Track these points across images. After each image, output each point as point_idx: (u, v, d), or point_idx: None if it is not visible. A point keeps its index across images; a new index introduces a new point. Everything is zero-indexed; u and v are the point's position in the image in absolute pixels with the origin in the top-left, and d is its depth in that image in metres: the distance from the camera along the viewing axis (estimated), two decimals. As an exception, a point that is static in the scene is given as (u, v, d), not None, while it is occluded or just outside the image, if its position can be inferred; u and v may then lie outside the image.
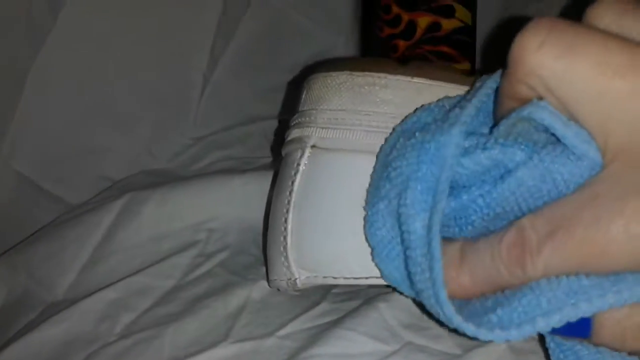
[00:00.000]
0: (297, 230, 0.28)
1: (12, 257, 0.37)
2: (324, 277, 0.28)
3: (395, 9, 0.49)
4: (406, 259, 0.24)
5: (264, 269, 0.34)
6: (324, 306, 0.31)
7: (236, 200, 0.38)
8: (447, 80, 0.27)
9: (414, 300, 0.29)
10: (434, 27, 0.48)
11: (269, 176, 0.38)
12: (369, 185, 0.27)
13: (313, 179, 0.28)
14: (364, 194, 0.27)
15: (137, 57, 0.45)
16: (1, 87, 0.41)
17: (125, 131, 0.45)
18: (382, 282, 0.27)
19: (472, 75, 0.28)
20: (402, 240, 0.24)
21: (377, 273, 0.26)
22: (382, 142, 0.27)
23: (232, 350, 0.28)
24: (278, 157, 0.33)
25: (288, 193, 0.29)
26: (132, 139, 0.46)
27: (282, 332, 0.29)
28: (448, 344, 0.27)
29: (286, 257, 0.28)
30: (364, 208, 0.26)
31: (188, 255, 0.36)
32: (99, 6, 0.43)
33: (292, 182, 0.29)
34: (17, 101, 0.41)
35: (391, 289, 0.30)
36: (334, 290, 0.32)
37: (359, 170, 0.27)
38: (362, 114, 0.28)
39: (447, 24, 0.48)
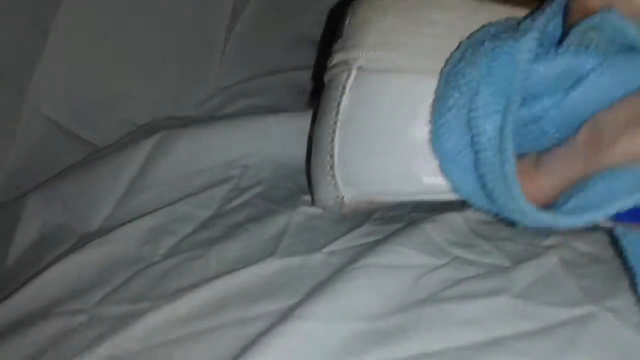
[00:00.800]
0: (343, 149, 0.29)
1: (46, 191, 0.37)
2: (371, 194, 0.29)
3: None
4: (477, 162, 0.24)
5: (302, 198, 0.35)
6: (366, 228, 0.31)
7: (271, 139, 0.39)
8: (500, 1, 0.27)
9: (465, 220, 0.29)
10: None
11: (304, 116, 0.38)
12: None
13: (360, 100, 0.29)
14: (411, 113, 0.27)
15: (162, 9, 0.45)
16: (26, 33, 0.41)
17: (151, 79, 0.45)
18: (428, 197, 0.27)
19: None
20: (473, 144, 0.24)
21: (423, 190, 0.27)
22: (431, 63, 0.27)
23: (279, 264, 0.29)
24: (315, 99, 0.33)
25: (334, 114, 0.29)
26: (157, 86, 0.46)
27: (328, 249, 0.29)
28: (497, 257, 0.27)
29: (333, 176, 0.29)
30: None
31: (223, 189, 0.36)
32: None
33: (339, 104, 0.29)
34: (43, 47, 0.41)
35: (435, 212, 0.31)
36: (374, 216, 0.32)
37: (406, 91, 0.28)
38: (411, 35, 0.28)
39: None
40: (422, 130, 0.27)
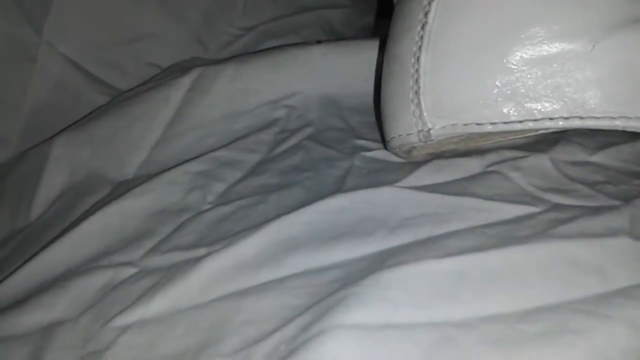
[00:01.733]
0: (433, 71, 0.24)
1: (72, 135, 0.33)
2: (465, 124, 0.24)
3: None
4: None
5: (359, 142, 0.32)
6: (436, 163, 0.28)
7: (315, 74, 0.35)
8: None
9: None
10: None
11: (354, 46, 0.35)
12: None
13: (453, 8, 0.24)
14: (519, 19, 0.23)
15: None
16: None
17: (173, 18, 0.42)
18: (537, 126, 0.23)
19: None
20: None
21: (533, 115, 0.23)
22: None
23: (347, 199, 0.26)
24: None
25: (420, 27, 0.24)
26: (181, 26, 0.42)
27: (399, 184, 0.26)
28: (603, 200, 0.24)
29: (418, 104, 0.25)
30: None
31: (270, 132, 0.33)
32: None
33: (426, 14, 0.24)
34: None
35: (517, 156, 0.28)
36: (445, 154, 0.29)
37: None
38: None
39: None
40: (539, 42, 0.23)
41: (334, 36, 0.45)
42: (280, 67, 0.35)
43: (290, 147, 0.32)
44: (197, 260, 0.24)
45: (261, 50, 0.38)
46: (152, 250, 0.26)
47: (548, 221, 0.23)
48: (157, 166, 0.31)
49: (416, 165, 0.28)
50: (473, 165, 0.27)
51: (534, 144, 0.29)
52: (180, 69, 0.38)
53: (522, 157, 0.28)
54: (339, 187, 0.27)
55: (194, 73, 0.35)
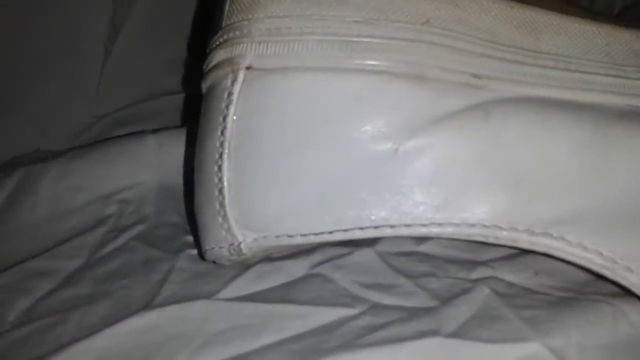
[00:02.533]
0: (236, 180, 0.23)
1: None
2: (277, 236, 0.22)
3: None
4: None
5: (188, 238, 0.30)
6: (261, 267, 0.26)
7: (151, 164, 0.33)
8: None
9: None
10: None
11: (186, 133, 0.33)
12: None
13: (253, 111, 0.22)
14: (322, 123, 0.22)
15: (27, 25, 0.39)
16: None
17: (13, 109, 0.39)
18: (348, 236, 0.22)
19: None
20: None
21: (343, 225, 0.22)
22: (343, 53, 0.21)
23: (153, 317, 0.23)
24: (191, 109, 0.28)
25: (219, 133, 0.23)
26: (23, 118, 0.39)
27: (216, 296, 0.24)
28: (421, 298, 0.23)
29: (225, 217, 0.23)
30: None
31: (97, 233, 0.31)
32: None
33: (224, 118, 0.23)
34: None
35: (341, 252, 0.26)
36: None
37: (314, 94, 0.22)
38: (314, 19, 0.22)
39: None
40: (334, 146, 0.22)
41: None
42: (113, 160, 0.33)
43: (114, 249, 0.29)
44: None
45: (93, 143, 0.36)
46: None
47: (360, 328, 0.22)
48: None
49: (239, 270, 0.26)
50: (298, 268, 0.26)
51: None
52: (13, 165, 0.36)
53: (347, 254, 0.26)
54: (151, 299, 0.25)
55: (18, 173, 0.33)
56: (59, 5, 0.40)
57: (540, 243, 0.22)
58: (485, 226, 0.21)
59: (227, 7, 0.24)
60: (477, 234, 0.21)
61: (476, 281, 0.24)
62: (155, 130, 0.35)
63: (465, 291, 0.23)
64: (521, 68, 0.23)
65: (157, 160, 0.33)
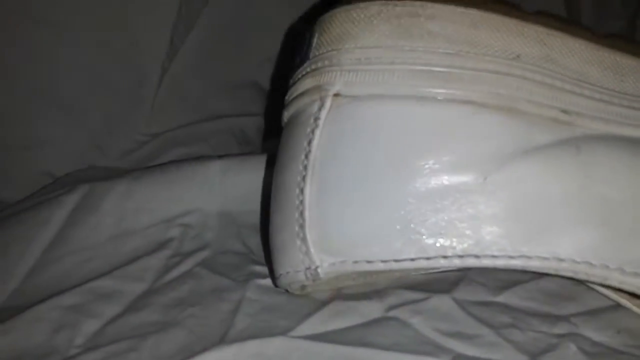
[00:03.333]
0: (318, 203, 0.22)
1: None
2: (355, 261, 0.22)
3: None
4: None
5: (255, 268, 0.29)
6: (336, 305, 0.26)
7: (214, 190, 0.33)
8: (506, 14, 0.23)
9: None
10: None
11: (251, 161, 0.33)
12: None
13: (338, 136, 0.22)
14: (408, 150, 0.22)
15: (88, 42, 0.40)
16: None
17: (70, 123, 0.39)
18: (431, 264, 0.21)
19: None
20: None
21: (426, 253, 0.21)
22: (434, 83, 0.22)
23: (231, 353, 0.23)
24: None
25: (304, 157, 0.23)
26: (78, 132, 0.40)
27: (291, 333, 0.24)
28: (508, 351, 0.23)
29: (304, 240, 0.23)
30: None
31: (161, 256, 0.30)
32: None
33: (309, 142, 0.23)
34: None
35: (417, 296, 0.26)
36: (344, 290, 0.27)
37: (401, 121, 0.22)
38: (405, 50, 0.22)
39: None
40: (429, 174, 0.21)
41: (247, 145, 0.43)
42: (176, 184, 0.33)
43: (180, 274, 0.29)
44: None
45: (157, 165, 0.36)
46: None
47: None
48: (31, 295, 0.28)
49: (312, 308, 0.26)
50: (372, 309, 0.25)
51: (434, 283, 0.27)
52: (72, 180, 0.35)
53: (423, 300, 0.26)
54: (225, 331, 0.24)
55: (81, 190, 0.32)
56: (120, 23, 0.40)
57: (632, 283, 0.21)
58: (575, 262, 0.21)
59: (315, 40, 0.24)
60: (567, 269, 0.21)
61: (561, 337, 0.23)
62: (220, 156, 0.35)
63: (551, 347, 0.23)
64: (609, 107, 0.23)
65: (220, 186, 0.33)
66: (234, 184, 0.34)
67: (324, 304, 0.26)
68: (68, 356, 0.24)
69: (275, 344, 0.23)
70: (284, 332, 0.24)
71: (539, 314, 0.25)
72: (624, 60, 0.23)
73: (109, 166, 0.40)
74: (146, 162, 0.41)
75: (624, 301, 0.25)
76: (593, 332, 0.24)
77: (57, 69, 0.38)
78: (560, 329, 0.24)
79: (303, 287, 0.26)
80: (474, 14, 0.22)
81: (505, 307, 0.25)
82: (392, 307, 0.26)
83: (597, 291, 0.26)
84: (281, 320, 0.25)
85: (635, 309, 0.25)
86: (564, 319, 0.25)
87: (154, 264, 0.30)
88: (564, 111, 0.22)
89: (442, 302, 0.26)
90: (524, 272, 0.27)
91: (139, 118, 0.42)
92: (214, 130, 0.43)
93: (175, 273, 0.29)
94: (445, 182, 0.21)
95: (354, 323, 0.25)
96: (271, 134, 0.40)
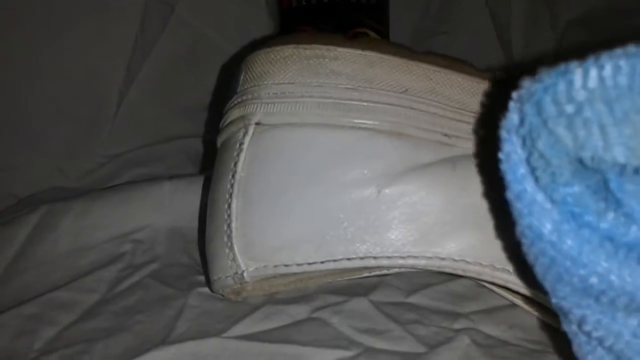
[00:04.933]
0: (243, 216, 0.26)
1: None
2: (275, 265, 0.26)
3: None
4: None
5: (198, 278, 0.32)
6: (267, 309, 0.29)
7: (164, 208, 0.36)
8: (398, 55, 0.27)
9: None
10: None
11: (198, 181, 0.36)
12: None
13: (259, 158, 0.27)
14: (317, 169, 0.26)
15: (49, 74, 0.43)
16: None
17: (33, 149, 0.42)
18: (338, 266, 0.26)
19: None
20: None
21: (334, 256, 0.25)
22: (337, 113, 0.26)
23: (170, 352, 0.26)
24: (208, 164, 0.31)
25: (230, 176, 0.27)
26: (41, 156, 0.43)
27: (225, 334, 0.27)
28: (410, 343, 0.26)
29: (231, 248, 0.27)
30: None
31: (113, 269, 0.33)
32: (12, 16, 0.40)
33: (235, 164, 0.27)
34: None
35: (339, 299, 0.29)
36: (277, 295, 0.31)
37: (311, 144, 0.26)
38: (313, 85, 0.26)
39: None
40: (327, 188, 0.26)
41: (200, 165, 0.47)
42: (129, 203, 0.36)
43: (130, 285, 0.32)
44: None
45: (112, 187, 0.39)
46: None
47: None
48: (-5, 307, 0.31)
49: (246, 312, 0.29)
50: (299, 311, 0.29)
51: (355, 287, 0.30)
52: (35, 201, 0.38)
53: (344, 302, 0.29)
54: (167, 334, 0.28)
55: (42, 210, 0.35)
56: (79, 54, 0.43)
57: (501, 277, 0.25)
58: (454, 260, 0.25)
59: (242, 76, 0.29)
60: (447, 267, 0.25)
61: (458, 331, 0.27)
62: (170, 178, 0.38)
63: (448, 340, 0.26)
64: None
65: (169, 205, 0.36)
66: (182, 202, 0.37)
67: (256, 307, 0.29)
68: (28, 359, 0.27)
69: (209, 344, 0.26)
70: (218, 334, 0.27)
71: (443, 311, 0.29)
72: (500, 91, 0.27)
73: (70, 187, 0.43)
74: (106, 182, 0.44)
75: (518, 301, 0.29)
76: (488, 327, 0.27)
77: (21, 101, 0.41)
78: (460, 324, 0.27)
79: (238, 292, 0.29)
80: (370, 55, 0.27)
81: (414, 306, 0.29)
82: (316, 309, 0.29)
83: (496, 292, 0.29)
84: (217, 324, 0.28)
85: (526, 307, 0.28)
86: (464, 316, 0.28)
87: (107, 276, 0.33)
88: (446, 135, 0.26)
89: (359, 304, 0.29)
90: (435, 274, 0.31)
91: (98, 141, 0.45)
92: (169, 151, 0.46)
93: (126, 284, 0.32)
94: (348, 196, 0.26)
95: (282, 324, 0.28)
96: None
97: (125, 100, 0.46)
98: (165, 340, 0.27)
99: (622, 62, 0.13)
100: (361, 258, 0.25)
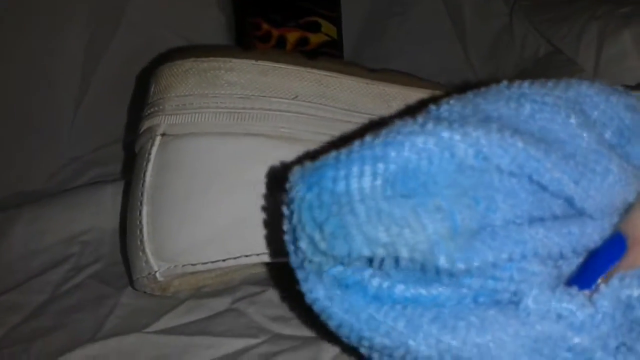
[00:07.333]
0: (152, 221, 0.29)
1: None
2: (183, 265, 0.29)
3: (265, 26, 0.51)
4: None
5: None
6: (189, 303, 0.32)
7: (108, 210, 0.39)
8: (290, 64, 0.29)
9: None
10: (303, 41, 0.51)
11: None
12: None
13: (164, 167, 0.29)
14: (217, 174, 0.28)
15: (4, 78, 0.45)
16: None
17: (-1, 157, 0.45)
18: (238, 262, 0.28)
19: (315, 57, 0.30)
20: None
21: (234, 254, 0.28)
22: (232, 122, 0.28)
23: (93, 349, 0.29)
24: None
25: (141, 185, 0.29)
26: (6, 163, 0.45)
27: (148, 329, 0.30)
28: (308, 330, 0.29)
29: (144, 251, 0.29)
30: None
31: (61, 270, 0.36)
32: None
33: (144, 173, 0.29)
34: None
35: (257, 289, 0.32)
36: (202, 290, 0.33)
37: (211, 152, 0.28)
38: (210, 96, 0.29)
39: (315, 39, 0.51)
40: (225, 192, 0.28)
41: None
42: (75, 207, 0.39)
43: (74, 285, 0.35)
44: None
45: (59, 193, 0.42)
46: None
47: (259, 355, 0.28)
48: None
49: (170, 307, 0.32)
50: (220, 304, 0.32)
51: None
52: (3, 205, 0.41)
53: (261, 292, 0.32)
54: (96, 331, 0.30)
55: (-4, 218, 0.38)
56: (37, 69, 0.46)
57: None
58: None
59: (152, 89, 0.31)
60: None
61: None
62: (112, 181, 0.41)
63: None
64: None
65: (113, 207, 0.39)
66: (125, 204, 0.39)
67: (181, 302, 0.32)
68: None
69: (130, 340, 0.29)
70: (140, 329, 0.30)
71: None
72: (389, 89, 0.29)
73: (37, 189, 0.46)
74: (69, 182, 0.47)
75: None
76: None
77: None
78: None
79: (165, 288, 0.32)
80: (264, 65, 0.29)
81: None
82: (236, 300, 0.32)
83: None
84: (142, 319, 0.31)
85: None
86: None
87: (54, 277, 0.36)
88: (333, 136, 0.28)
89: (274, 294, 0.31)
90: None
91: (59, 145, 0.47)
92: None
93: (70, 284, 0.35)
94: (243, 200, 0.28)
95: (201, 316, 0.31)
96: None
97: (82, 106, 0.48)
98: (92, 338, 0.30)
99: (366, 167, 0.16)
100: (247, 256, 0.28)
